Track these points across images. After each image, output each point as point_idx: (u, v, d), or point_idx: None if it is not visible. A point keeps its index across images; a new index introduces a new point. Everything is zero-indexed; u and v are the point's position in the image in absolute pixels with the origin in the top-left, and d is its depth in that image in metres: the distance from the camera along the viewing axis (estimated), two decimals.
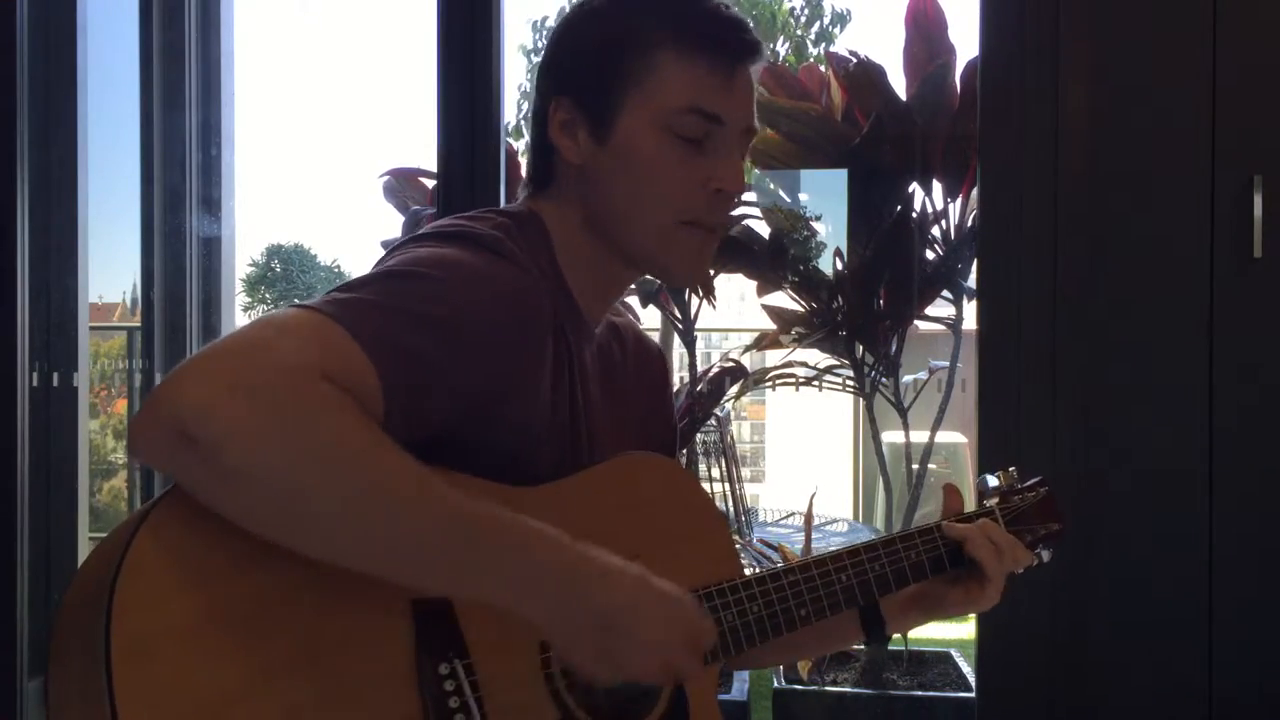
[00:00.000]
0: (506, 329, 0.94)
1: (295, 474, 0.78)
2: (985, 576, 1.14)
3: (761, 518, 5.06)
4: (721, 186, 1.04)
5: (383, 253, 0.98)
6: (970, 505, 1.23)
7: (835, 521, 4.79)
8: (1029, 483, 1.25)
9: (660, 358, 1.26)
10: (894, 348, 3.28)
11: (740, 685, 2.92)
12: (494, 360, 0.93)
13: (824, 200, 3.53)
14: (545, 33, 9.06)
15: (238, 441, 0.76)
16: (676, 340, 3.73)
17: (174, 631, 0.78)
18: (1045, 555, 1.23)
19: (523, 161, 3.58)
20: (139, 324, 2.98)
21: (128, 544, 0.78)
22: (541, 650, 0.96)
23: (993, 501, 1.22)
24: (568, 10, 1.10)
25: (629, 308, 3.32)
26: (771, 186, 3.71)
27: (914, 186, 3.25)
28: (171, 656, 0.77)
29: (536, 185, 1.10)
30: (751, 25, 1.05)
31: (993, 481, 1.24)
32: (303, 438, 0.78)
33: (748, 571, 1.11)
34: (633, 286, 2.90)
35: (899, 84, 3.17)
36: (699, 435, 3.73)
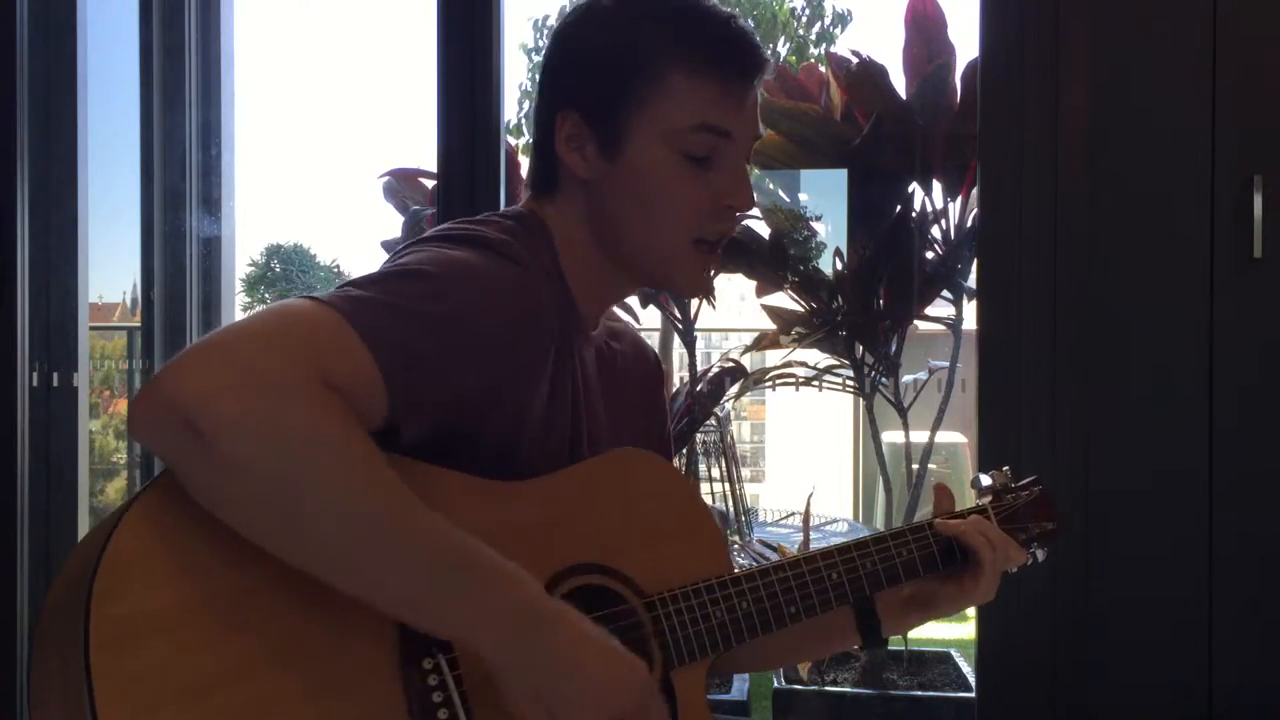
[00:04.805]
0: (509, 329, 0.95)
1: (286, 476, 0.78)
2: (980, 569, 1.14)
3: (761, 518, 5.06)
4: (733, 204, 1.05)
5: (383, 254, 0.99)
6: (968, 505, 1.23)
7: (835, 521, 4.79)
8: (1023, 482, 1.25)
9: (657, 364, 1.26)
10: (894, 348, 3.27)
11: (740, 685, 2.92)
12: (495, 360, 0.94)
13: (824, 200, 3.52)
14: (546, 31, 8.96)
15: (235, 435, 0.77)
16: (676, 340, 3.73)
17: (154, 620, 0.79)
18: (1040, 554, 1.23)
19: (523, 161, 3.57)
20: (139, 324, 2.98)
21: (110, 533, 0.79)
22: None
23: (986, 500, 1.22)
24: (574, 13, 1.08)
25: (629, 309, 3.31)
26: (771, 186, 3.70)
27: (914, 186, 3.25)
28: (150, 644, 0.78)
29: (539, 189, 1.10)
30: (755, 36, 1.06)
31: (986, 480, 1.24)
32: (299, 443, 0.79)
33: None
34: None
35: (899, 84, 3.17)
36: (699, 435, 3.72)
